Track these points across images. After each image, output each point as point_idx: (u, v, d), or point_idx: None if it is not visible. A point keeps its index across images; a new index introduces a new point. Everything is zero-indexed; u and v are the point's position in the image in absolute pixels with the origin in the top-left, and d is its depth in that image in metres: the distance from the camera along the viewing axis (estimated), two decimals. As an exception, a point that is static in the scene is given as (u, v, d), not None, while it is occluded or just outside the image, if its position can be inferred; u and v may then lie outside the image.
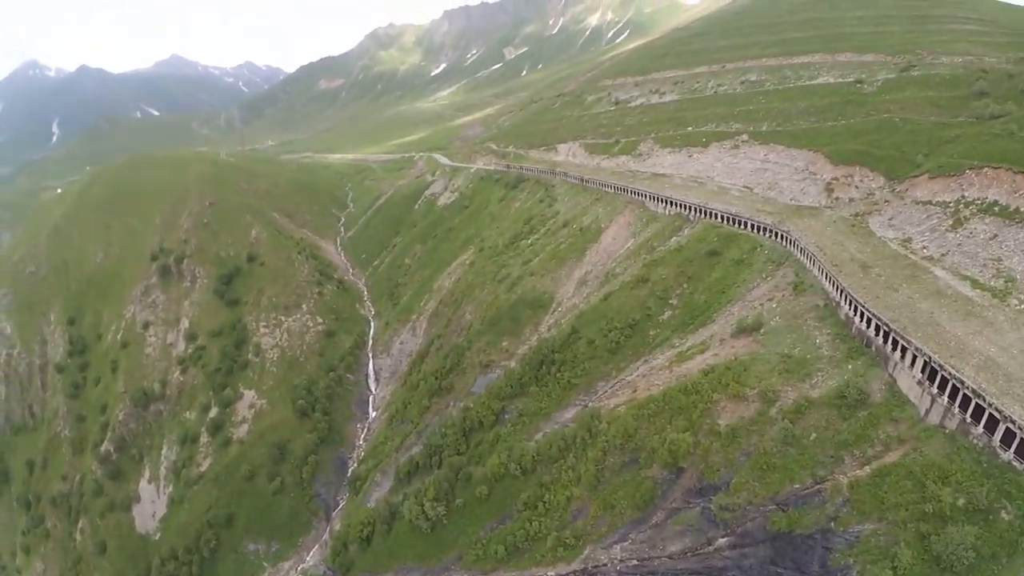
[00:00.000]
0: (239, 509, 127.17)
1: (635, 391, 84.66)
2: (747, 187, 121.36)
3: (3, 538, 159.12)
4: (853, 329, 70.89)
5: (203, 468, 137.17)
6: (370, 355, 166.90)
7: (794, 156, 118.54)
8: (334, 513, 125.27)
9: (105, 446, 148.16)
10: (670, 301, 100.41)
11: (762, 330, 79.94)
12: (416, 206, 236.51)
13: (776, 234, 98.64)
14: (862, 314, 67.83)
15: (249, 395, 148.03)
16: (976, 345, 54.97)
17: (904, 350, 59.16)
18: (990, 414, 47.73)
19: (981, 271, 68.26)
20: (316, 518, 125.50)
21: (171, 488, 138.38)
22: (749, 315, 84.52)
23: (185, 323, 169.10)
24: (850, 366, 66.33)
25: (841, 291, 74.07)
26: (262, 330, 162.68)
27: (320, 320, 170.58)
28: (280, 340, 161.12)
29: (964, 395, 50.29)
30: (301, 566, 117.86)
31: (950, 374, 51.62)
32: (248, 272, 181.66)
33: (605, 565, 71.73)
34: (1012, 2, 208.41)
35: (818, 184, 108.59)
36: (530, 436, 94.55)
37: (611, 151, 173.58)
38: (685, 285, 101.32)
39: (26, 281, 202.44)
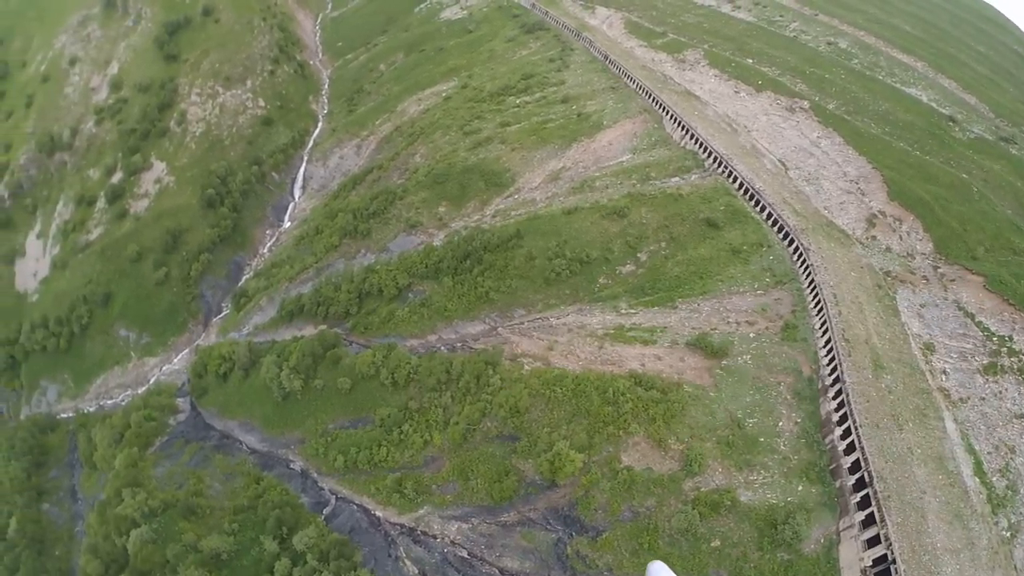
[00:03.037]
0: (118, 290, 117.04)
1: (550, 350, 71.19)
2: (783, 163, 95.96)
3: None
4: (827, 441, 56.41)
5: (92, 236, 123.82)
6: (304, 158, 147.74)
7: (849, 158, 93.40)
8: (213, 320, 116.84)
9: (0, 190, 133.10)
10: (639, 254, 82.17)
11: (724, 362, 65.19)
12: (417, 9, 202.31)
13: (792, 244, 78.10)
14: (851, 444, 53.11)
15: (159, 167, 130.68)
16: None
17: (871, 522, 46.61)
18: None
19: (991, 455, 53.31)
20: (194, 320, 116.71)
21: (57, 249, 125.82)
22: (717, 331, 68.94)
23: (115, 67, 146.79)
24: (801, 487, 53.65)
25: (839, 387, 58.36)
26: (194, 97, 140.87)
27: (262, 103, 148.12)
28: (210, 114, 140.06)
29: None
30: (167, 366, 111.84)
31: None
32: (199, 26, 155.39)
33: (435, 538, 62.16)
34: None
35: (861, 208, 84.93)
36: (421, 336, 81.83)
37: (653, 41, 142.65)
38: (664, 244, 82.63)
39: None
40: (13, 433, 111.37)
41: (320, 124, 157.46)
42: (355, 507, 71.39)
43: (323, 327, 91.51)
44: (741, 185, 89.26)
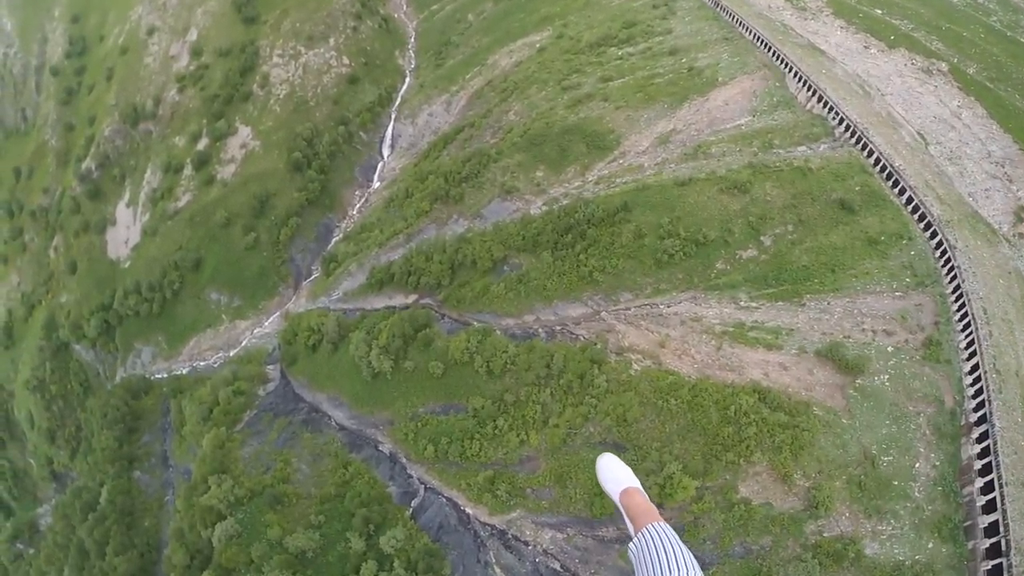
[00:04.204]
0: (208, 255, 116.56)
1: (661, 347, 62.57)
2: (922, 135, 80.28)
3: None
4: (965, 492, 47.11)
5: (180, 204, 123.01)
6: (392, 116, 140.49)
7: (993, 135, 77.28)
8: (303, 283, 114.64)
9: (87, 162, 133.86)
10: (762, 237, 70.94)
11: (858, 380, 55.40)
12: None
13: (935, 237, 65.34)
14: (992, 502, 43.91)
15: (244, 132, 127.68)
16: None
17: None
18: None
19: None
20: (284, 284, 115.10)
21: (147, 217, 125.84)
22: (852, 340, 58.64)
23: (193, 34, 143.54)
24: (931, 544, 46.01)
25: (984, 428, 48.42)
26: (275, 59, 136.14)
27: (346, 61, 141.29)
28: (293, 75, 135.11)
29: None
30: (257, 329, 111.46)
31: None
32: None
33: (527, 544, 56.63)
34: None
35: (1008, 198, 69.69)
36: (517, 316, 74.84)
37: None
38: (791, 227, 71.23)
39: None
40: (107, 400, 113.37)
41: (407, 80, 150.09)
42: (444, 500, 66.97)
43: (414, 297, 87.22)
44: (877, 161, 75.75)
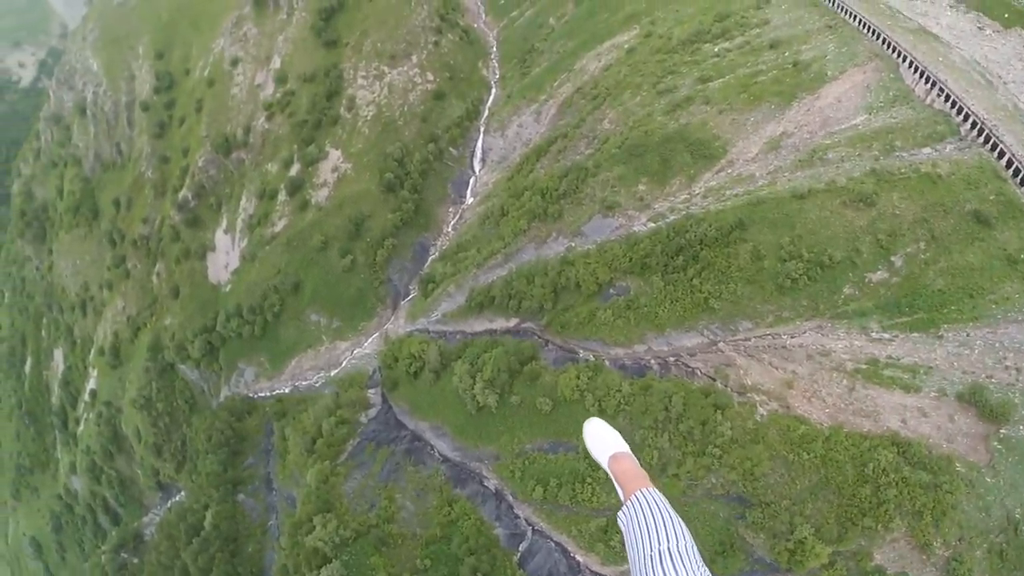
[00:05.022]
0: (307, 278, 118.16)
1: (788, 388, 57.16)
2: None
3: (94, 271, 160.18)
4: None
5: (277, 228, 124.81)
6: (481, 129, 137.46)
7: None
8: (401, 303, 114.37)
9: (184, 192, 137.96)
10: (892, 257, 63.72)
11: (1002, 430, 49.02)
12: None
13: None
14: None
15: (335, 155, 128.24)
16: None
17: None
18: None
19: None
20: (382, 305, 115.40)
21: (245, 243, 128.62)
22: (994, 380, 51.66)
23: (276, 62, 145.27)
24: None
25: None
26: (360, 81, 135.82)
27: (430, 77, 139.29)
28: (379, 96, 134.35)
29: None
30: (357, 350, 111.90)
31: None
32: (353, 7, 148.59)
33: None
34: None
35: None
36: (627, 345, 70.47)
37: None
38: (922, 245, 63.62)
39: (113, 13, 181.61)
40: (212, 422, 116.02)
41: (493, 91, 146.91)
42: (553, 545, 64.17)
43: (515, 321, 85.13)
44: (1010, 163, 66.55)
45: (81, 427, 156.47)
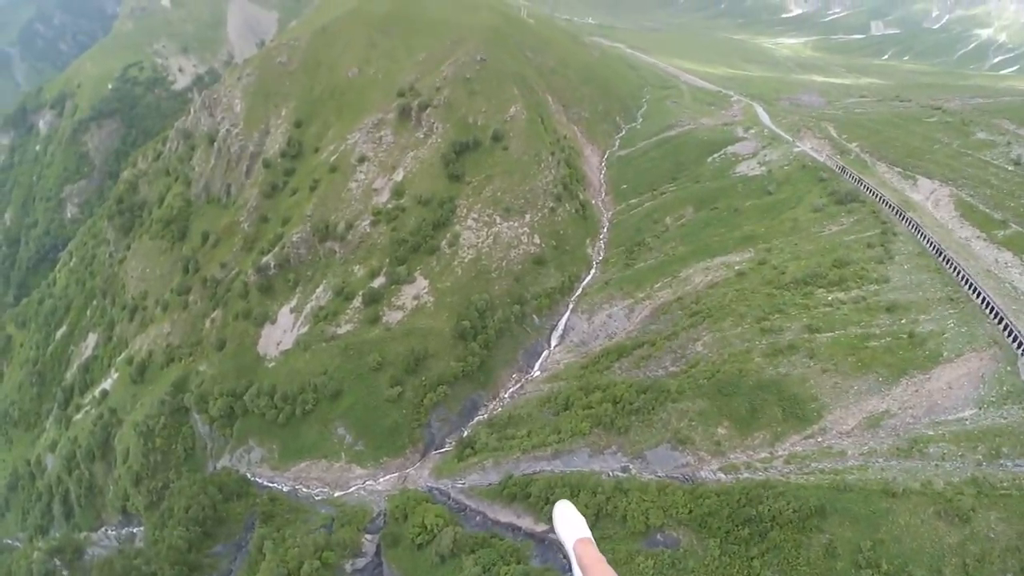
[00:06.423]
0: (349, 391, 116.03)
1: None
2: None
3: (158, 285, 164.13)
4: None
5: (340, 330, 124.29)
6: (570, 306, 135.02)
7: None
8: (431, 453, 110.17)
9: (269, 258, 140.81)
10: None
11: None
12: (710, 159, 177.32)
13: None
14: None
15: (421, 284, 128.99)
16: None
17: None
18: None
19: None
20: (413, 447, 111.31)
21: (305, 330, 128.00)
22: None
23: (399, 174, 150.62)
24: None
25: None
26: (470, 222, 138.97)
27: (537, 240, 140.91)
28: (483, 242, 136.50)
29: None
30: (370, 482, 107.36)
31: None
32: (486, 151, 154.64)
33: None
34: None
35: None
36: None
37: (993, 232, 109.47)
38: None
39: (273, 70, 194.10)
40: (198, 490, 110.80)
41: (593, 271, 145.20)
42: None
43: (544, 529, 79.32)
44: None
45: (79, 415, 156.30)
